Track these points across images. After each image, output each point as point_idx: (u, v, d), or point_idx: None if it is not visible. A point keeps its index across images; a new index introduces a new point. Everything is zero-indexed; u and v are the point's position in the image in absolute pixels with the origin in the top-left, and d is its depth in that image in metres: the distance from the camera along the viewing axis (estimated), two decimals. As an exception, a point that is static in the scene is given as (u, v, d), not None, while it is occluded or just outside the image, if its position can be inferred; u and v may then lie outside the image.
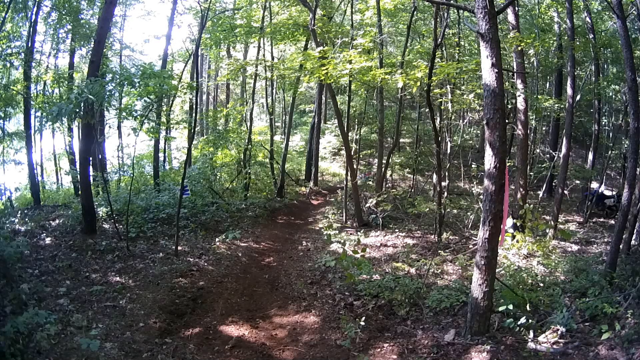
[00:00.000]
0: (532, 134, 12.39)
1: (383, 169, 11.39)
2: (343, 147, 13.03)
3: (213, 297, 5.35)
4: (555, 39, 12.12)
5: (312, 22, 8.15)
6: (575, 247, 7.70)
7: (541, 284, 5.30)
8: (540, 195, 11.88)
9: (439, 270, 6.16)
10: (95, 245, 6.27)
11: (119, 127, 13.08)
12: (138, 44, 27.46)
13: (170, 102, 13.67)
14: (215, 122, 15.39)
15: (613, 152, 12.45)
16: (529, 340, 3.87)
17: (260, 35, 12.20)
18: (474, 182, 10.40)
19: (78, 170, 8.23)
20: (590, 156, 12.02)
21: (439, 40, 6.98)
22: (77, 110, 5.72)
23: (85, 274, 5.46)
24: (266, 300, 5.47)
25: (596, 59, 10.97)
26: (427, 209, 9.40)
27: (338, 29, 10.56)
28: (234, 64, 12.50)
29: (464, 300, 4.66)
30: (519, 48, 8.27)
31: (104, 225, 7.27)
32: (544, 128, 15.17)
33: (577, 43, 9.57)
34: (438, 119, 9.53)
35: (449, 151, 9.85)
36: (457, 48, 11.47)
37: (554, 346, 3.76)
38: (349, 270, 5.49)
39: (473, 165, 9.16)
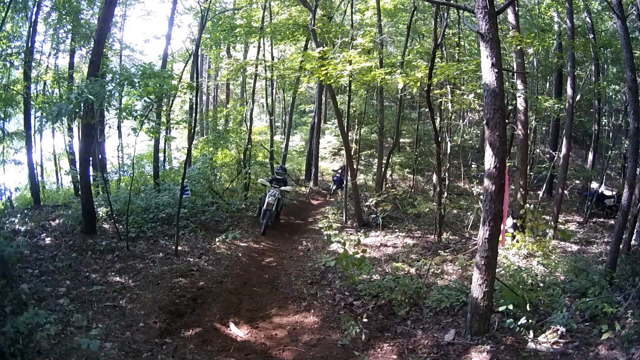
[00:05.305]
0: (532, 134, 12.38)
1: (383, 169, 11.39)
2: (343, 147, 13.03)
3: (213, 297, 5.35)
4: (555, 38, 12.13)
5: (312, 22, 8.15)
6: (575, 247, 7.70)
7: (541, 284, 5.30)
8: (540, 195, 11.89)
9: (439, 270, 6.16)
10: (95, 245, 6.27)
11: (119, 127, 13.08)
12: (138, 44, 27.60)
13: (170, 102, 13.67)
14: (215, 122, 15.39)
15: (613, 152, 12.45)
16: (529, 340, 3.87)
17: (260, 35, 12.20)
18: (474, 182, 10.40)
19: (78, 170, 8.23)
20: (590, 156, 12.02)
21: (439, 40, 6.97)
22: (77, 110, 5.71)
23: (85, 274, 5.46)
24: (266, 300, 5.47)
25: (596, 59, 10.97)
26: (427, 209, 9.40)
27: (338, 29, 10.56)
28: (234, 64, 12.49)
29: (464, 300, 4.66)
30: (519, 48, 8.26)
31: (104, 225, 7.27)
32: (544, 128, 15.17)
33: (577, 43, 9.58)
34: (438, 119, 9.53)
35: (449, 151, 9.85)
36: (457, 48, 11.47)
37: (554, 346, 3.76)
38: (349, 270, 5.49)
39: (473, 165, 9.17)
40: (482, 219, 4.00)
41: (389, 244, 7.73)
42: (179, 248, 6.58)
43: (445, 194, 8.80)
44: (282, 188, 8.99)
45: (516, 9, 8.49)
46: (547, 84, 16.13)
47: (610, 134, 14.37)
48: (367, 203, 9.37)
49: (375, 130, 15.02)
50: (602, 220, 10.40)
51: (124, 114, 6.53)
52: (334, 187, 13.82)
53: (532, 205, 7.21)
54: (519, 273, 5.41)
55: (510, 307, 4.13)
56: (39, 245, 6.16)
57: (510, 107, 10.64)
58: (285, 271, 6.56)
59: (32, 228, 6.83)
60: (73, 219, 7.04)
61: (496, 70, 3.84)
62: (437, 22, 7.23)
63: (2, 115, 10.36)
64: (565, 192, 9.80)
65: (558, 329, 3.94)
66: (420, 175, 15.07)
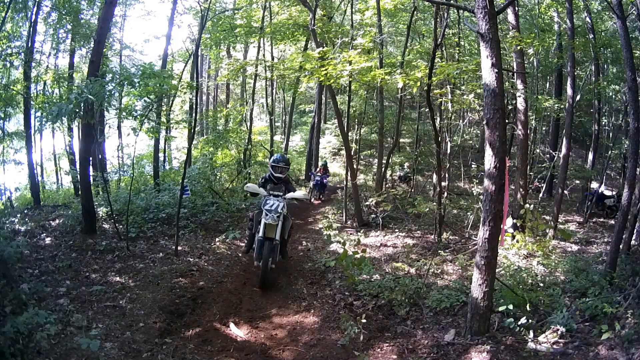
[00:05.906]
0: (532, 134, 12.40)
1: (383, 169, 11.39)
2: (343, 147, 13.03)
3: (213, 297, 5.35)
4: (555, 38, 12.14)
5: (312, 22, 8.16)
6: (575, 247, 7.70)
7: (541, 284, 5.30)
8: (540, 195, 11.89)
9: (439, 270, 6.16)
10: (95, 245, 6.27)
11: (119, 127, 13.13)
12: (138, 44, 27.69)
13: (170, 102, 13.70)
14: (215, 122, 15.44)
15: (613, 152, 12.47)
16: (529, 340, 3.87)
17: (260, 35, 12.23)
18: (474, 182, 10.40)
19: (78, 170, 8.24)
20: (590, 156, 12.03)
21: (439, 40, 6.97)
22: (77, 110, 5.71)
23: (85, 274, 5.46)
24: (266, 300, 5.46)
25: (596, 59, 10.98)
26: (427, 209, 9.41)
27: (338, 29, 10.58)
28: (234, 64, 12.53)
29: (464, 300, 4.66)
30: (519, 48, 8.27)
31: (104, 225, 7.26)
32: (544, 128, 15.20)
33: (577, 43, 9.59)
34: (438, 119, 9.54)
35: (449, 151, 9.86)
36: (457, 48, 11.48)
37: (554, 346, 3.76)
38: (349, 270, 5.49)
39: (473, 165, 9.17)
40: (482, 219, 4.00)
41: (389, 244, 7.73)
42: (179, 248, 6.58)
43: (445, 194, 8.80)
44: (290, 195, 5.49)
45: (516, 9, 8.50)
46: (547, 84, 16.15)
47: (610, 134, 14.40)
48: (367, 203, 9.37)
49: (375, 130, 15.04)
50: (602, 220, 10.41)
51: (124, 114, 6.53)
52: (315, 193, 12.78)
53: (532, 205, 7.20)
54: (519, 273, 5.41)
55: (510, 307, 4.13)
56: (39, 245, 6.16)
57: (510, 107, 10.65)
58: (285, 271, 6.56)
59: (32, 228, 6.83)
60: (73, 219, 7.04)
61: (496, 70, 3.84)
62: (437, 22, 7.24)
63: (2, 115, 10.38)
64: (565, 192, 9.78)
65: (558, 329, 3.94)
66: (420, 175, 15.09)
